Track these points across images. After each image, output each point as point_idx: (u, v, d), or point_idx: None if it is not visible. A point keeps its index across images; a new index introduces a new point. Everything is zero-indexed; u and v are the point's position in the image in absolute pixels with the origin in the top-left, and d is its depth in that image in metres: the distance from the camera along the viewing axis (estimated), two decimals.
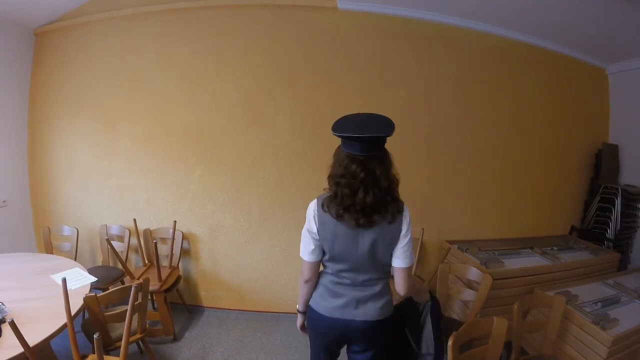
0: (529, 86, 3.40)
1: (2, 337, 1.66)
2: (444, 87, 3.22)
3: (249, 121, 3.13)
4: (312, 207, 1.48)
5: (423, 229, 3.15)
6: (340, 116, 1.42)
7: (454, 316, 2.74)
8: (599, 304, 2.32)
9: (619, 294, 2.52)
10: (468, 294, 2.47)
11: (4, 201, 3.12)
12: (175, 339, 2.89)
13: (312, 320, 1.60)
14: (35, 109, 3.32)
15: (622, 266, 3.31)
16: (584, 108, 3.63)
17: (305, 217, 1.51)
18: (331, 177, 1.44)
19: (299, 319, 1.69)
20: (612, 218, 3.40)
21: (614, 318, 2.12)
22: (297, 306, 1.67)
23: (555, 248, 3.18)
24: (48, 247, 3.05)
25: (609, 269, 3.10)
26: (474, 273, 2.50)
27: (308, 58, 3.09)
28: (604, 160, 3.55)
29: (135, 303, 1.95)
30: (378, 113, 1.41)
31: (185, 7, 3.05)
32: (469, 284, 2.60)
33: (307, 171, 3.13)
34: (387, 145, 1.41)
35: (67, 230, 3.12)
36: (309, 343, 1.72)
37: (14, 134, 3.23)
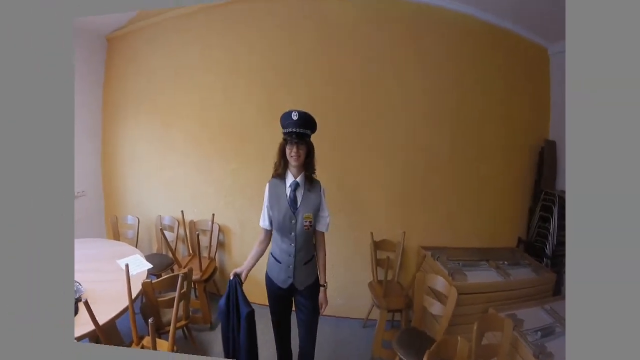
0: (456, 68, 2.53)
1: (78, 314, 1.64)
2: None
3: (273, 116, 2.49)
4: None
5: (404, 232, 2.56)
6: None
7: (428, 332, 2.19)
8: (539, 333, 1.84)
9: (554, 324, 1.95)
10: (438, 308, 2.02)
11: (83, 191, 3.07)
12: (212, 327, 2.69)
13: None
14: (107, 110, 3.20)
15: (557, 289, 2.50)
16: (527, 97, 2.55)
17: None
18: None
19: None
20: (550, 230, 2.48)
21: (549, 352, 1.67)
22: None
23: (506, 262, 2.42)
24: (115, 234, 2.98)
25: (547, 290, 2.36)
26: (441, 285, 2.01)
27: (332, 53, 2.59)
28: (546, 161, 2.52)
29: (182, 291, 1.91)
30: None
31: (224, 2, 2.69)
32: (439, 297, 2.09)
33: (335, 170, 2.55)
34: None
35: (130, 219, 3.06)
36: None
37: (91, 133, 3.16)
